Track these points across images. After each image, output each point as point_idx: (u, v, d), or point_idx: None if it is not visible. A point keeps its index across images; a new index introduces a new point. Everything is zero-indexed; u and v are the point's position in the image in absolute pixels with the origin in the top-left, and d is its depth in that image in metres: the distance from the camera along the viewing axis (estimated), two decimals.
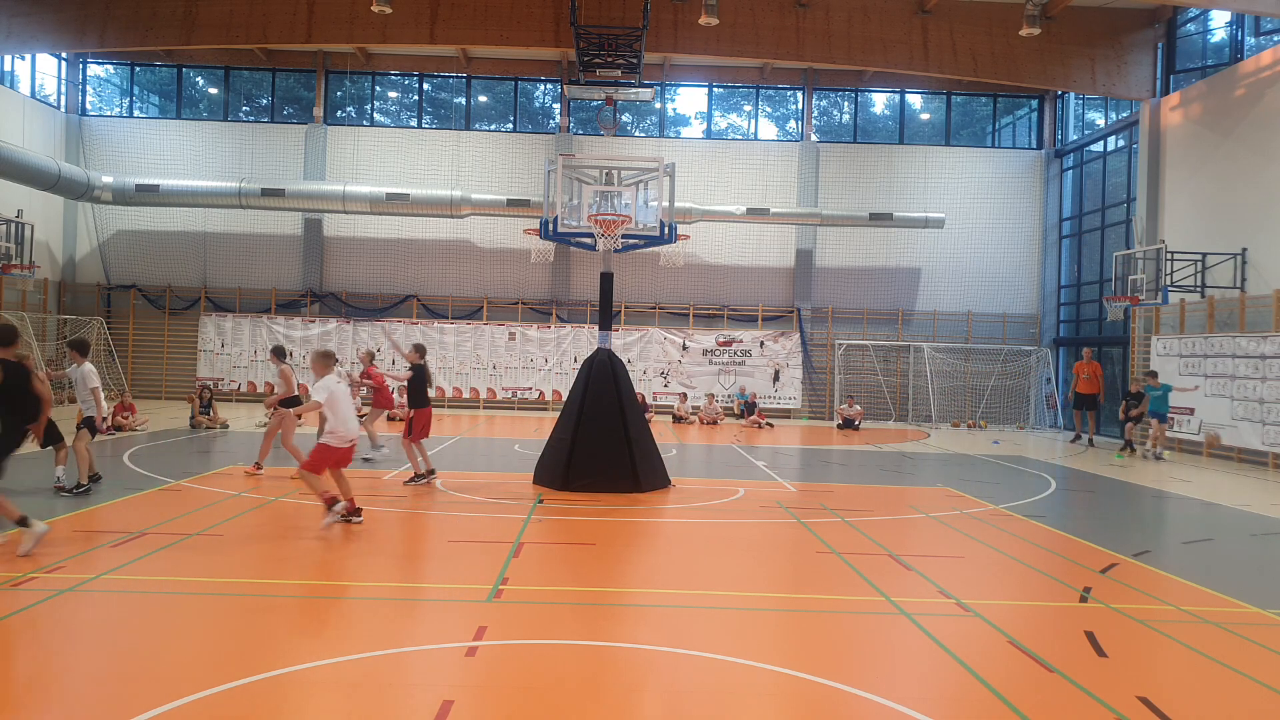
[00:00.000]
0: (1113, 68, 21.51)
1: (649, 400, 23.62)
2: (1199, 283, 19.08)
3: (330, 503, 8.62)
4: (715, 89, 26.88)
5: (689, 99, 27.46)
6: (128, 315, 25.41)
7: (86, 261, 25.57)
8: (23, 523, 7.30)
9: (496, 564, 7.56)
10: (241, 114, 26.87)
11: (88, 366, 10.57)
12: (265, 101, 26.88)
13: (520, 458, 14.83)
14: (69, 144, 25.01)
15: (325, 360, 9.06)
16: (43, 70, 24.98)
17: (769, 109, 27.52)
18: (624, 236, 12.21)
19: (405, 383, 12.22)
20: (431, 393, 12.30)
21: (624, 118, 26.36)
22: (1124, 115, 23.37)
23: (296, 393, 12.24)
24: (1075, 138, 26.06)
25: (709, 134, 26.85)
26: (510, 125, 27.00)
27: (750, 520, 10.03)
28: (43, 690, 4.79)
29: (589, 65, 20.34)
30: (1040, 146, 26.63)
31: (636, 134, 27.00)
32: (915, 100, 27.27)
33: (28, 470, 11.02)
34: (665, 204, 12.31)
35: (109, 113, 26.46)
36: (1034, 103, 26.89)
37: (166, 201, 24.07)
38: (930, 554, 8.46)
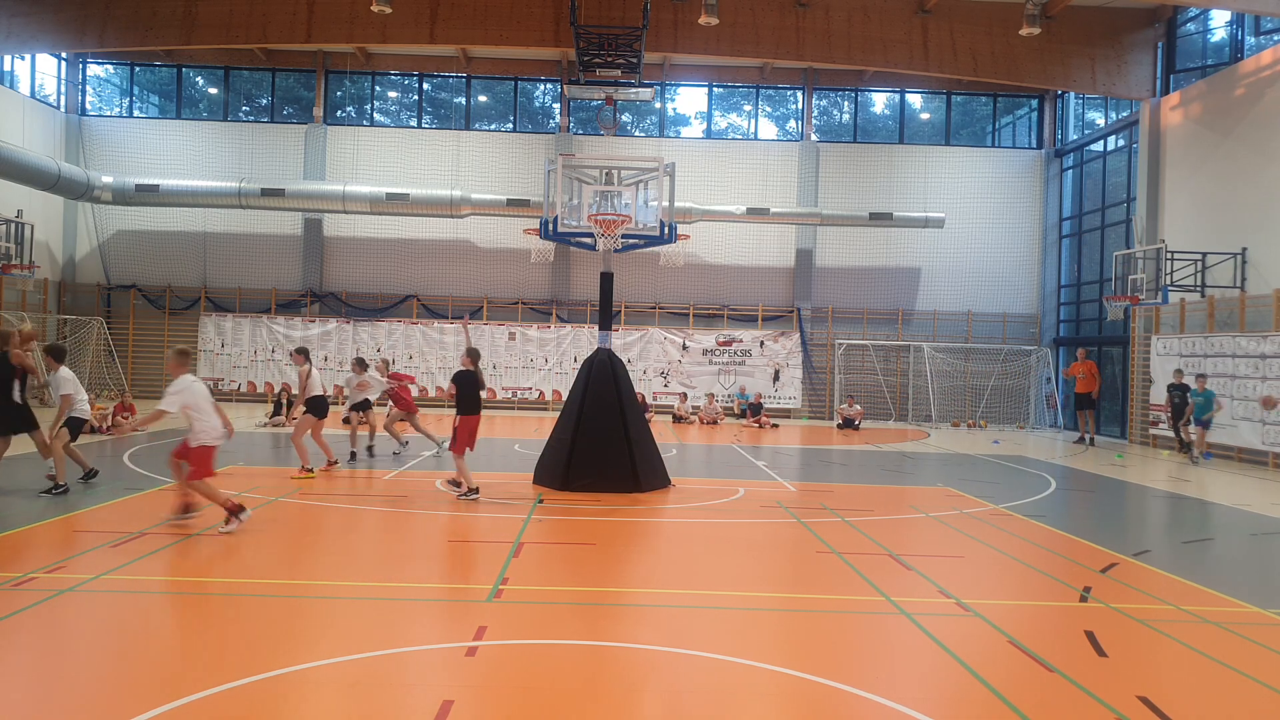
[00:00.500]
0: (1113, 67, 21.50)
1: (649, 400, 23.62)
2: (1199, 282, 19.08)
3: (234, 510, 8.30)
4: (715, 89, 26.88)
5: (689, 99, 27.47)
6: (128, 315, 25.42)
7: (86, 261, 25.57)
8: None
9: (496, 564, 7.56)
10: (241, 114, 26.87)
11: (63, 372, 10.49)
12: (265, 101, 26.88)
13: (520, 458, 14.83)
14: (69, 144, 25.02)
15: (182, 359, 8.68)
16: (42, 70, 24.99)
17: (769, 109, 27.52)
18: (624, 236, 12.20)
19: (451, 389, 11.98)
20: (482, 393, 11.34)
21: (624, 117, 26.36)
22: (1124, 115, 23.37)
23: (319, 392, 12.52)
24: (1075, 137, 26.06)
25: (709, 134, 26.86)
26: (510, 125, 27.00)
27: (750, 520, 10.02)
28: (43, 690, 4.79)
29: (589, 65, 20.34)
30: (1040, 146, 26.63)
31: (636, 134, 27.00)
32: (915, 100, 27.27)
33: (25, 470, 11.02)
34: (665, 204, 12.31)
35: (109, 113, 26.46)
36: (1034, 102, 26.89)
37: (166, 201, 24.08)
38: (930, 554, 8.46)
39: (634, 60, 20.11)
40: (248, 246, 25.67)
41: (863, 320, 26.18)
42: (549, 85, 26.94)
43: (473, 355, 11.11)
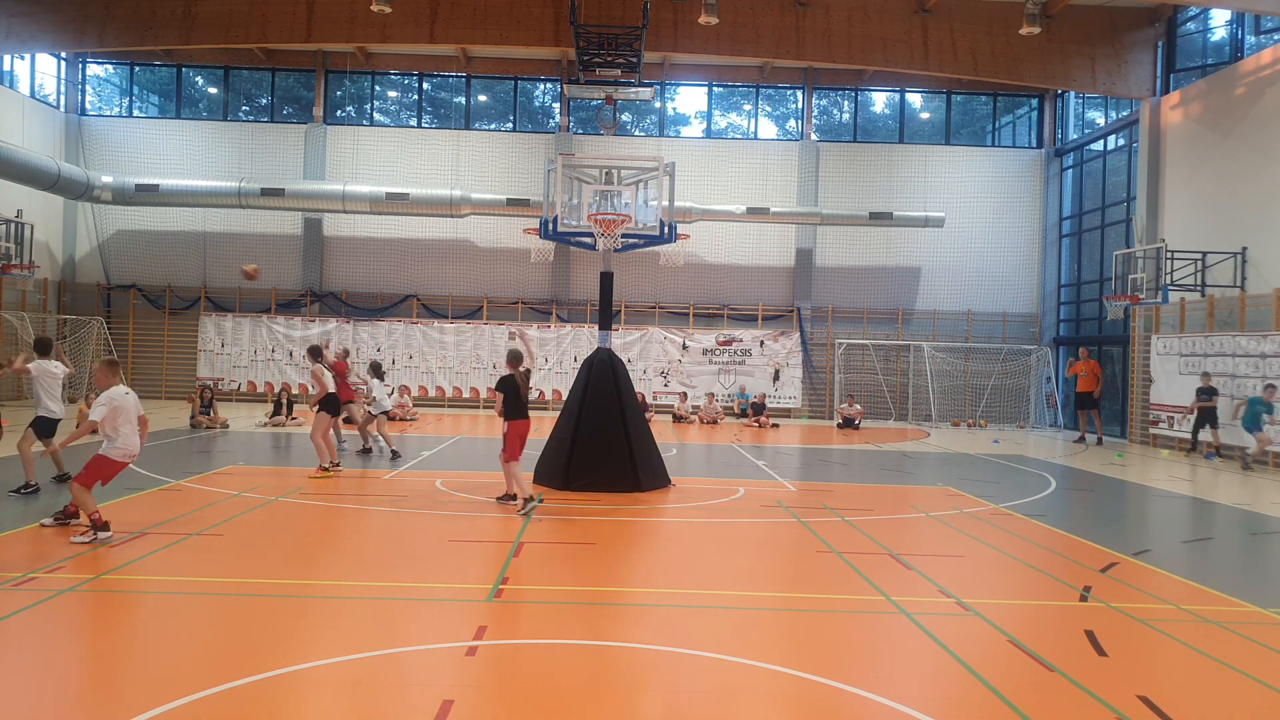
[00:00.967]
0: (1113, 66, 21.50)
1: (649, 400, 23.62)
2: (1199, 282, 19.07)
3: (98, 524, 7.83)
4: (715, 88, 26.87)
5: (689, 98, 27.46)
6: (128, 315, 25.41)
7: (86, 261, 25.57)
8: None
9: (496, 564, 7.56)
10: (241, 114, 26.87)
11: (37, 364, 10.11)
12: (265, 101, 26.88)
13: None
14: (68, 144, 25.01)
15: (111, 370, 8.40)
16: (42, 70, 24.98)
17: (769, 108, 27.52)
18: (624, 236, 12.20)
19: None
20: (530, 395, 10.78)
21: (624, 117, 26.35)
22: (1124, 114, 23.36)
23: (332, 390, 12.59)
24: (1075, 137, 26.06)
25: (709, 133, 26.85)
26: (510, 125, 26.99)
27: (750, 520, 10.02)
28: (43, 690, 4.79)
29: (589, 64, 20.32)
30: (1040, 145, 26.62)
31: (636, 133, 27.00)
32: (915, 99, 27.26)
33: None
34: (665, 203, 12.31)
35: (109, 112, 26.46)
36: (1034, 102, 26.89)
37: (166, 201, 24.07)
38: (930, 553, 8.46)
39: (634, 60, 20.10)
40: (248, 246, 25.65)
41: (863, 320, 26.18)
42: (549, 85, 26.94)
43: (512, 359, 10.49)
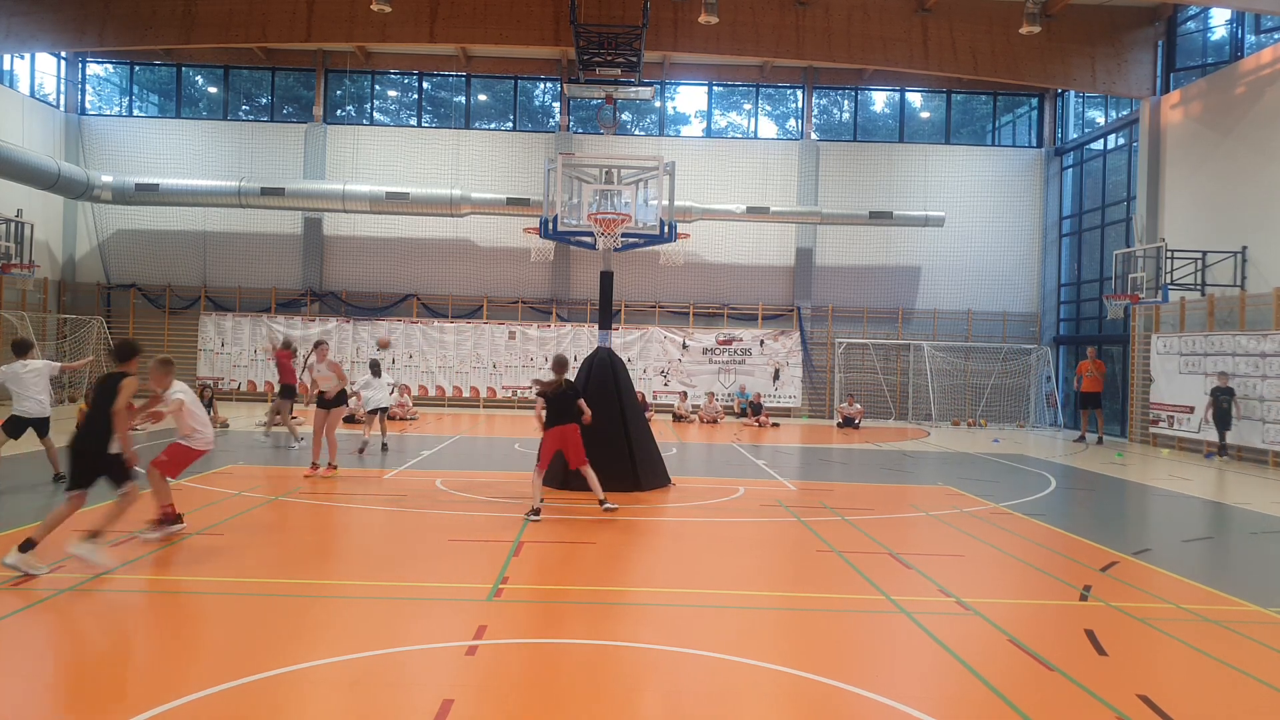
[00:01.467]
0: (1113, 66, 21.49)
1: (649, 399, 23.62)
2: (1199, 281, 19.07)
3: (170, 518, 7.92)
4: (715, 87, 26.86)
5: (689, 97, 27.46)
6: (128, 315, 25.41)
7: (86, 261, 25.57)
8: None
9: (496, 563, 7.56)
10: (241, 113, 26.86)
11: (7, 367, 10.04)
12: (265, 101, 26.87)
13: (520, 457, 14.82)
14: (68, 143, 25.00)
15: (167, 369, 8.32)
16: (42, 69, 24.98)
17: (769, 107, 27.51)
18: (624, 235, 12.20)
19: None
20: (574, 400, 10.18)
21: (624, 116, 26.34)
22: (1124, 113, 23.36)
23: (341, 385, 12.70)
24: (1075, 136, 26.05)
25: (709, 132, 26.84)
26: (510, 124, 26.98)
27: (750, 519, 10.02)
28: (43, 690, 4.79)
29: (589, 64, 20.32)
30: (1040, 145, 26.62)
31: (636, 133, 26.99)
32: (915, 98, 27.25)
33: (27, 470, 11.02)
34: (665, 203, 12.30)
35: (108, 112, 26.45)
36: (1034, 101, 26.88)
37: (166, 201, 24.07)
38: (930, 552, 8.45)
39: (634, 59, 20.09)
40: (248, 246, 25.66)
41: (863, 319, 26.17)
42: (549, 84, 26.93)
43: (557, 364, 10.15)
